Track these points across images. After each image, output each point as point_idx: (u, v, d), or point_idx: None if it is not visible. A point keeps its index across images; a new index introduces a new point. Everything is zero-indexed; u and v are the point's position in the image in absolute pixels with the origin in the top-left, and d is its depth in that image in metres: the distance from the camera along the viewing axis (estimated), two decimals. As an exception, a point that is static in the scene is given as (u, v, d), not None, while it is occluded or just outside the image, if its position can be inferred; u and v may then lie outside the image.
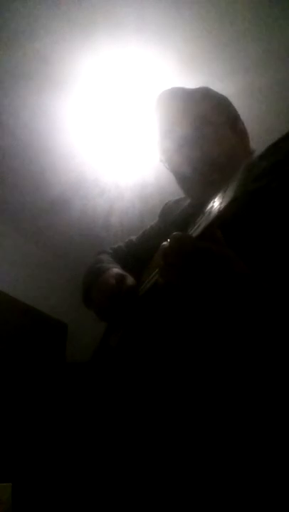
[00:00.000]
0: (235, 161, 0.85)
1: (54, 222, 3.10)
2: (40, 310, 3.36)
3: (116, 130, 2.35)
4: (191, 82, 2.08)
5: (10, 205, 3.00)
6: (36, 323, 3.32)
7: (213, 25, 1.84)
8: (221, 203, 0.59)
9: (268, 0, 1.75)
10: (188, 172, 0.91)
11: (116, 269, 0.96)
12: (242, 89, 2.10)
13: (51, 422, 3.01)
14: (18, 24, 1.83)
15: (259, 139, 2.41)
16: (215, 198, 0.63)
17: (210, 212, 0.62)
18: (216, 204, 0.61)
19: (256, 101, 2.17)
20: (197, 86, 0.99)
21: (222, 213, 0.58)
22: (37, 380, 3.10)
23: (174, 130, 0.94)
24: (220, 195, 0.61)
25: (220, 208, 0.59)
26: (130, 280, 0.91)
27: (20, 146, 2.46)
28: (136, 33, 1.85)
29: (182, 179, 0.95)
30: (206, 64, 1.99)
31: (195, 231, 0.65)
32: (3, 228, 3.23)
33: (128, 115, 2.25)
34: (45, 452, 2.78)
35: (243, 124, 0.98)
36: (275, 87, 2.11)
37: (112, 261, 1.05)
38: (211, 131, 0.91)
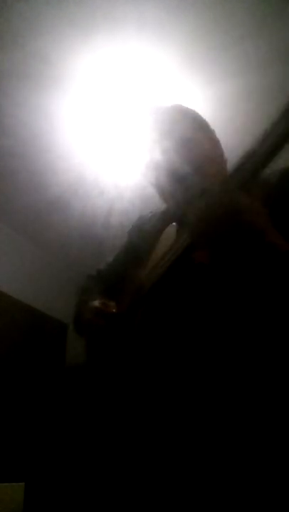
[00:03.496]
0: (219, 157, 0.98)
1: (54, 222, 3.10)
2: (40, 310, 3.36)
3: (116, 130, 2.35)
4: (192, 81, 2.09)
5: (10, 205, 3.00)
6: (36, 323, 3.32)
7: (214, 25, 1.83)
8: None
9: (269, 0, 1.75)
10: (189, 172, 0.91)
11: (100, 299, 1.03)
12: (242, 89, 2.10)
13: (52, 422, 3.01)
14: (18, 24, 1.83)
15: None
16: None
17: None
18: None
19: (256, 101, 2.17)
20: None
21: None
22: (37, 380, 3.10)
23: (174, 130, 0.94)
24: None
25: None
26: (112, 304, 0.99)
27: (20, 146, 2.46)
28: (136, 32, 1.85)
29: (181, 180, 0.95)
30: (206, 64, 1.99)
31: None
32: (3, 228, 3.23)
33: (128, 115, 2.25)
34: (49, 451, 2.78)
35: (213, 130, 1.06)
36: (276, 88, 2.11)
37: (96, 289, 1.12)
38: (204, 132, 0.98)
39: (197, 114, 1.02)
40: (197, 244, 0.71)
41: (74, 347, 3.48)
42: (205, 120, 1.03)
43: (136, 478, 0.71)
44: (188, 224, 0.68)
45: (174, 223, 0.95)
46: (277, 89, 2.13)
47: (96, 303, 0.99)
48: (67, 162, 2.54)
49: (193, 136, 0.94)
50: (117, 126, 2.33)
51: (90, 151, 2.49)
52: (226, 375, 0.71)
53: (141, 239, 1.06)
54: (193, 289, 0.79)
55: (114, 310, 0.95)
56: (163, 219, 1.02)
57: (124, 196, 2.65)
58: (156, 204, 1.16)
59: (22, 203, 2.94)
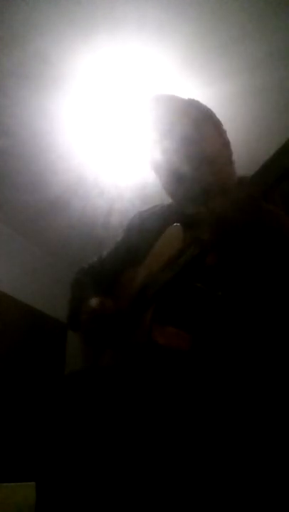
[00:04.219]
0: (223, 158, 0.96)
1: (54, 222, 3.10)
2: (40, 310, 3.36)
3: (116, 130, 2.35)
4: (192, 81, 2.09)
5: (10, 205, 3.00)
6: (36, 323, 3.32)
7: (214, 25, 1.83)
8: None
9: (268, 1, 1.75)
10: (189, 172, 0.91)
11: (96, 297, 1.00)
12: (242, 89, 2.10)
13: (52, 423, 3.00)
14: (18, 24, 1.83)
15: (259, 138, 2.40)
16: None
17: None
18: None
19: (256, 101, 2.17)
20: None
21: None
22: (37, 379, 3.10)
23: (174, 129, 0.93)
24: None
25: None
26: (110, 303, 0.96)
27: (20, 146, 2.46)
28: (136, 32, 1.85)
29: (181, 180, 0.94)
30: (206, 64, 1.99)
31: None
32: (3, 228, 3.23)
33: (128, 115, 2.25)
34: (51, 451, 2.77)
35: (225, 130, 1.03)
36: (276, 88, 2.11)
37: (90, 286, 1.11)
38: (208, 131, 0.96)
39: (208, 113, 1.00)
40: (212, 245, 0.70)
41: (74, 347, 3.48)
42: (216, 119, 1.00)
43: (138, 479, 0.71)
44: (207, 224, 0.68)
45: (176, 224, 0.93)
46: (277, 89, 2.13)
47: (93, 303, 0.97)
48: (67, 162, 2.54)
49: (194, 135, 0.93)
50: (117, 127, 2.33)
51: (90, 151, 2.49)
52: (234, 380, 0.71)
53: (141, 238, 1.05)
54: (205, 293, 0.78)
55: (112, 311, 0.94)
56: (164, 218, 1.01)
57: (124, 196, 2.65)
58: (156, 204, 1.16)
59: (22, 203, 2.94)
